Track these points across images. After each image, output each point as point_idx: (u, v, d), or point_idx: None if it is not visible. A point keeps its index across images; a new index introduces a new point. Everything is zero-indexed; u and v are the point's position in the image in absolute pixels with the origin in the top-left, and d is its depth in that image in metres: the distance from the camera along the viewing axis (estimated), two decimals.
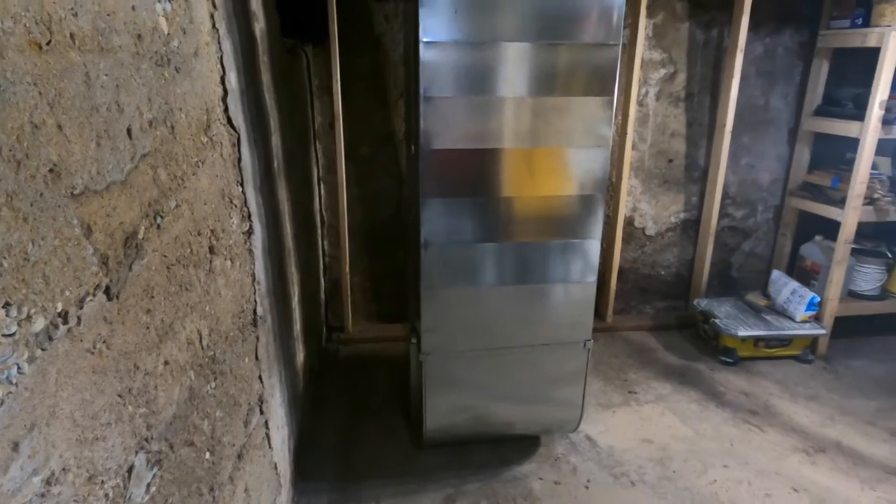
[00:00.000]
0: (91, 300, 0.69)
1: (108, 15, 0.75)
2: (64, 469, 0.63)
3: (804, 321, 2.62)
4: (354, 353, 2.74)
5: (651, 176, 2.91)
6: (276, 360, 1.64)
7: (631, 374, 2.58)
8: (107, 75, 0.74)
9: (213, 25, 1.19)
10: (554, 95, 1.63)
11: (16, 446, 0.55)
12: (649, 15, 2.63)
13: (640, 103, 2.77)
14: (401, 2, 2.48)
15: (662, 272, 3.09)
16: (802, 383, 2.51)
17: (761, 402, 2.37)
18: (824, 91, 2.77)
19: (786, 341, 2.64)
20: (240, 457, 1.25)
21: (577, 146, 1.69)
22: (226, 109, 1.25)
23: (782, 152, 2.95)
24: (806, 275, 2.84)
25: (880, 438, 2.14)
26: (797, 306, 2.63)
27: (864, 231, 2.68)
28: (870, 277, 2.76)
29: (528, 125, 1.65)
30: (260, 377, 1.43)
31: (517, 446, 2.08)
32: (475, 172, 1.67)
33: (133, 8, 0.82)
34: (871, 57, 2.39)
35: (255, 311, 1.40)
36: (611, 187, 2.81)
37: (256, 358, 1.41)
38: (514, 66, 1.59)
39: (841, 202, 2.57)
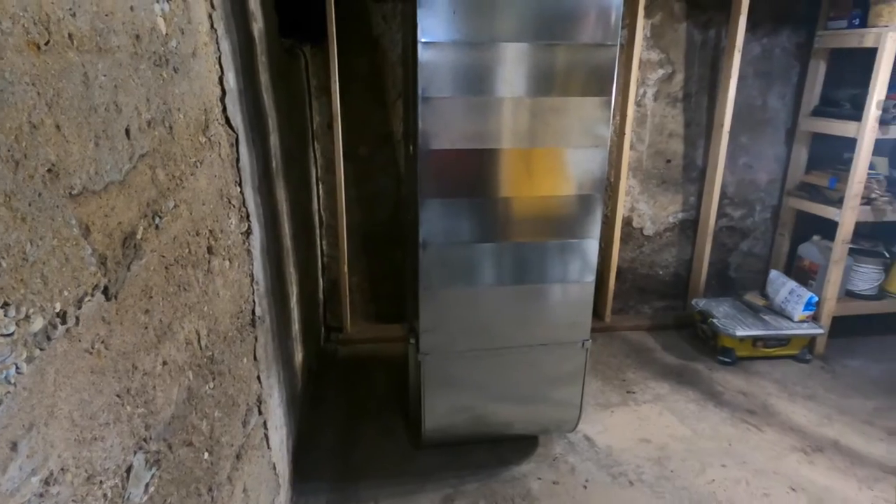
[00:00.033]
0: (89, 300, 0.69)
1: (107, 15, 0.75)
2: (62, 469, 0.63)
3: (802, 321, 2.63)
4: (353, 353, 2.74)
5: (649, 176, 2.91)
6: (275, 361, 1.64)
7: (629, 373, 2.59)
8: (105, 75, 0.74)
9: (212, 26, 1.20)
10: (552, 96, 1.63)
11: (14, 446, 0.55)
12: (647, 15, 2.64)
13: (638, 103, 2.78)
14: (399, 2, 2.49)
15: (660, 272, 3.10)
16: (800, 383, 2.51)
17: (759, 402, 2.37)
18: (822, 91, 2.77)
19: (784, 341, 2.65)
20: (238, 457, 1.25)
21: (576, 146, 1.69)
22: (224, 110, 1.25)
23: (780, 152, 2.95)
24: (804, 274, 2.84)
25: (877, 437, 2.15)
26: (795, 306, 2.63)
27: (861, 231, 2.69)
28: (867, 277, 2.77)
29: (527, 125, 1.65)
30: (258, 377, 1.43)
31: (515, 446, 2.08)
32: (473, 173, 1.67)
33: (131, 8, 0.82)
34: (868, 57, 2.40)
35: (253, 312, 1.40)
36: (609, 187, 2.82)
37: (255, 358, 1.41)
38: (513, 66, 1.59)
39: (838, 202, 2.58)
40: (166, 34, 0.95)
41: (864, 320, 2.81)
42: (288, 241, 1.94)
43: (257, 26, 1.65)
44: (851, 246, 2.64)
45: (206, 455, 1.06)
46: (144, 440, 0.82)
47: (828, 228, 2.69)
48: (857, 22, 2.50)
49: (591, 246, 1.79)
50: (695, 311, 2.86)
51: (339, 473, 1.94)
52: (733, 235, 3.09)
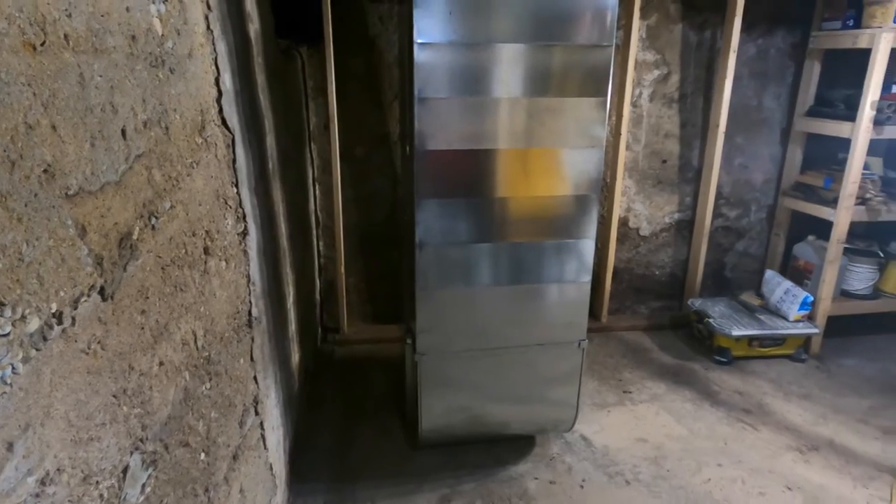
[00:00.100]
0: (86, 301, 0.69)
1: (103, 16, 0.75)
2: (59, 469, 0.63)
3: (797, 320, 2.64)
4: (350, 354, 2.73)
5: (645, 176, 2.92)
6: (272, 361, 1.64)
7: (625, 373, 2.59)
8: (101, 76, 0.74)
9: (208, 27, 1.20)
10: (548, 96, 1.64)
11: (10, 446, 0.55)
12: (643, 16, 2.65)
13: (634, 104, 2.79)
14: (395, 3, 2.49)
15: (657, 272, 3.11)
16: (796, 382, 2.52)
17: (755, 401, 2.38)
18: (816, 92, 2.79)
19: (779, 340, 2.66)
20: (235, 457, 1.25)
21: (572, 147, 1.70)
22: (220, 110, 1.25)
23: (775, 153, 2.97)
24: (799, 274, 2.86)
25: (872, 436, 2.16)
26: (790, 306, 2.64)
27: (856, 231, 2.70)
28: (862, 277, 2.78)
29: (523, 126, 1.66)
30: (255, 378, 1.43)
31: (512, 446, 2.08)
32: (470, 173, 1.68)
33: (127, 9, 0.82)
34: (862, 58, 2.41)
35: (249, 312, 1.40)
36: (605, 188, 2.83)
37: (251, 359, 1.41)
38: (509, 67, 1.60)
39: (833, 202, 2.59)
40: (162, 35, 0.95)
41: (859, 320, 2.83)
42: (284, 241, 1.94)
43: (253, 27, 1.65)
44: (846, 246, 2.65)
45: (203, 456, 1.06)
46: (141, 441, 0.82)
47: (823, 228, 2.70)
48: (851, 23, 2.52)
49: (588, 246, 1.79)
50: (691, 310, 2.87)
51: (335, 474, 1.94)
52: (729, 235, 3.10)
